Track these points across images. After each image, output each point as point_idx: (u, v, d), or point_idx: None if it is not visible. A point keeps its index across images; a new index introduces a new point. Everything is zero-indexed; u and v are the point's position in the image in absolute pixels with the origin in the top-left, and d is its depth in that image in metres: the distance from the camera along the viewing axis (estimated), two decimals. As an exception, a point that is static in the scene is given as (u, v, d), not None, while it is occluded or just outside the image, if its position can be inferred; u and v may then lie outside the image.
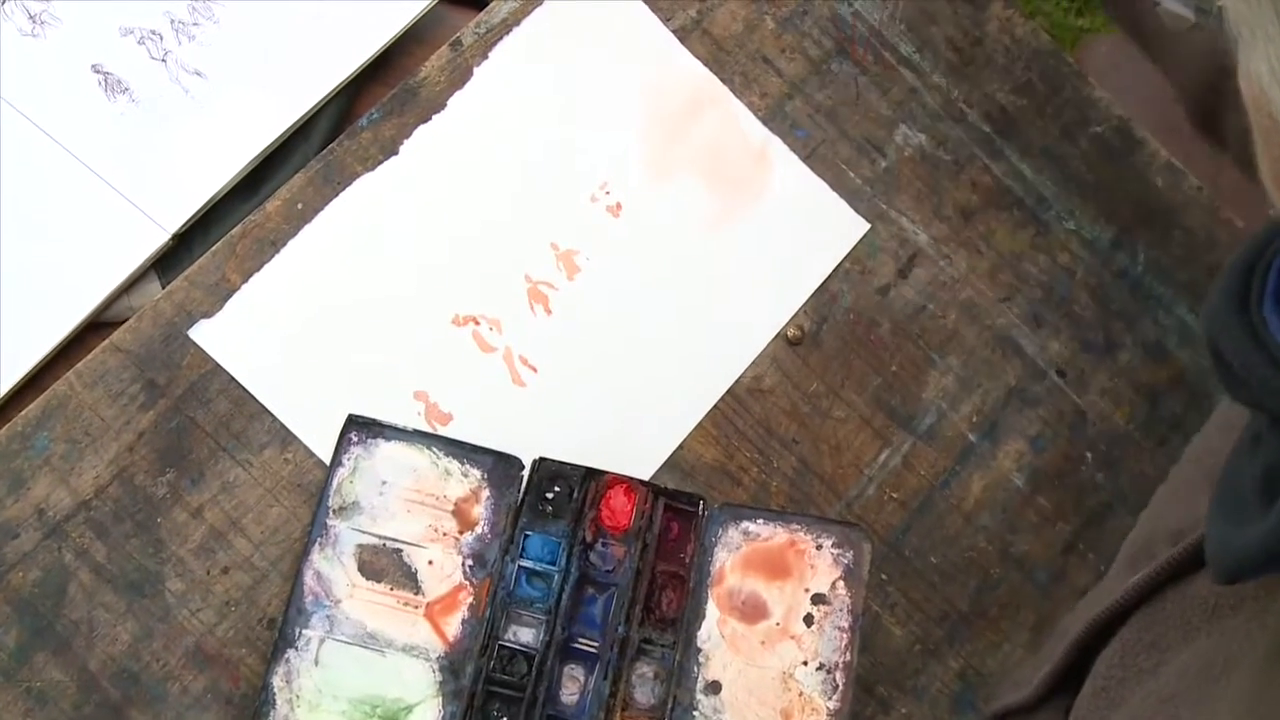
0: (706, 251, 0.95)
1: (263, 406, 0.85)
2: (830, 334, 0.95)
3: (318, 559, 0.82)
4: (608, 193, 0.95)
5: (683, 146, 0.96)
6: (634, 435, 0.90)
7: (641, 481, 0.87)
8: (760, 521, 0.88)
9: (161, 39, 0.92)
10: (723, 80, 0.98)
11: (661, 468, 0.90)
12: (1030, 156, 1.01)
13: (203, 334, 0.86)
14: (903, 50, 1.01)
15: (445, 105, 0.93)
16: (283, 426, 0.85)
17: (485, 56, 0.94)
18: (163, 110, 0.91)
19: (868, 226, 0.97)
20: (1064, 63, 1.04)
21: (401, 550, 0.83)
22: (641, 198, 0.95)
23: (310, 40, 0.94)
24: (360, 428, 0.85)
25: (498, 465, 0.86)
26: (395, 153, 0.91)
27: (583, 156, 0.95)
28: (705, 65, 0.97)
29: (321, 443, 0.85)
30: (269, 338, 0.87)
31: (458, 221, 0.92)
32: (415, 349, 0.89)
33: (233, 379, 0.85)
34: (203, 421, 0.84)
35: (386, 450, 0.85)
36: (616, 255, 0.94)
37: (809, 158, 0.97)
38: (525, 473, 0.86)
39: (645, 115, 0.96)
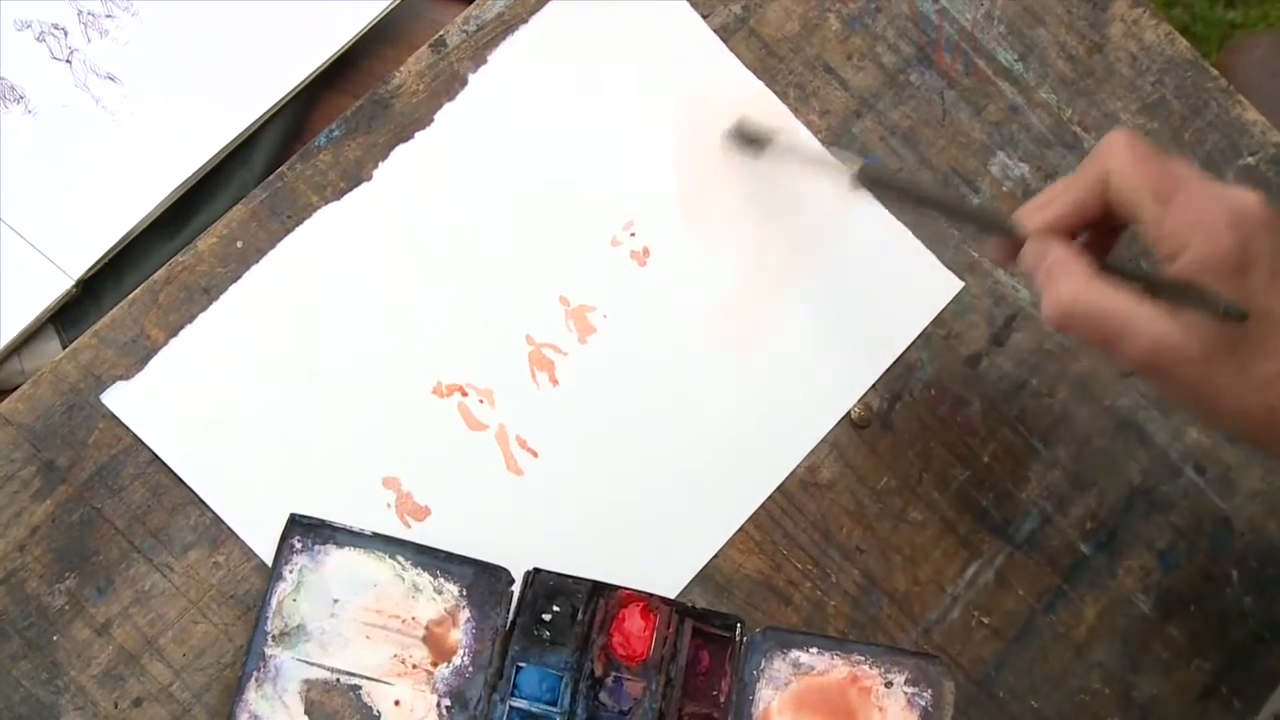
0: (754, 311, 0.97)
1: (187, 497, 0.88)
2: (905, 414, 0.98)
3: (253, 698, 0.84)
4: (633, 234, 0.98)
5: (728, 179, 0.99)
6: (658, 540, 0.93)
7: (663, 599, 0.89)
8: (814, 651, 0.90)
9: (66, 35, 0.95)
10: (774, 93, 1.01)
11: (691, 582, 0.92)
12: (1162, 193, 1.04)
13: (118, 399, 0.89)
14: (1001, 58, 1.05)
15: (432, 120, 0.96)
16: (212, 522, 0.88)
17: (482, 61, 0.98)
18: (67, 124, 0.94)
19: (960, 285, 1.00)
20: (1207, 75, 1.07)
21: (359, 687, 0.86)
22: (674, 242, 0.98)
23: (253, 38, 0.97)
24: (305, 531, 0.87)
25: (480, 578, 0.88)
26: (367, 178, 0.94)
27: (602, 189, 0.98)
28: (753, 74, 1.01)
29: (263, 541, 0.88)
30: (200, 408, 0.90)
31: (443, 266, 0.95)
32: (386, 425, 0.92)
33: (150, 462, 0.88)
34: (112, 515, 0.87)
35: (339, 560, 0.87)
36: (642, 313, 0.96)
37: (881, 191, 1.01)
38: (516, 588, 0.88)
39: (682, 138, 0.99)
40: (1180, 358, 0.76)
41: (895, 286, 0.99)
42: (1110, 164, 0.79)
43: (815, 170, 0.97)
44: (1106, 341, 0.78)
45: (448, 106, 0.97)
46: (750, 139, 0.97)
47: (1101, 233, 0.84)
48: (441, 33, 0.98)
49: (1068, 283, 0.79)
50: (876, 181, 0.92)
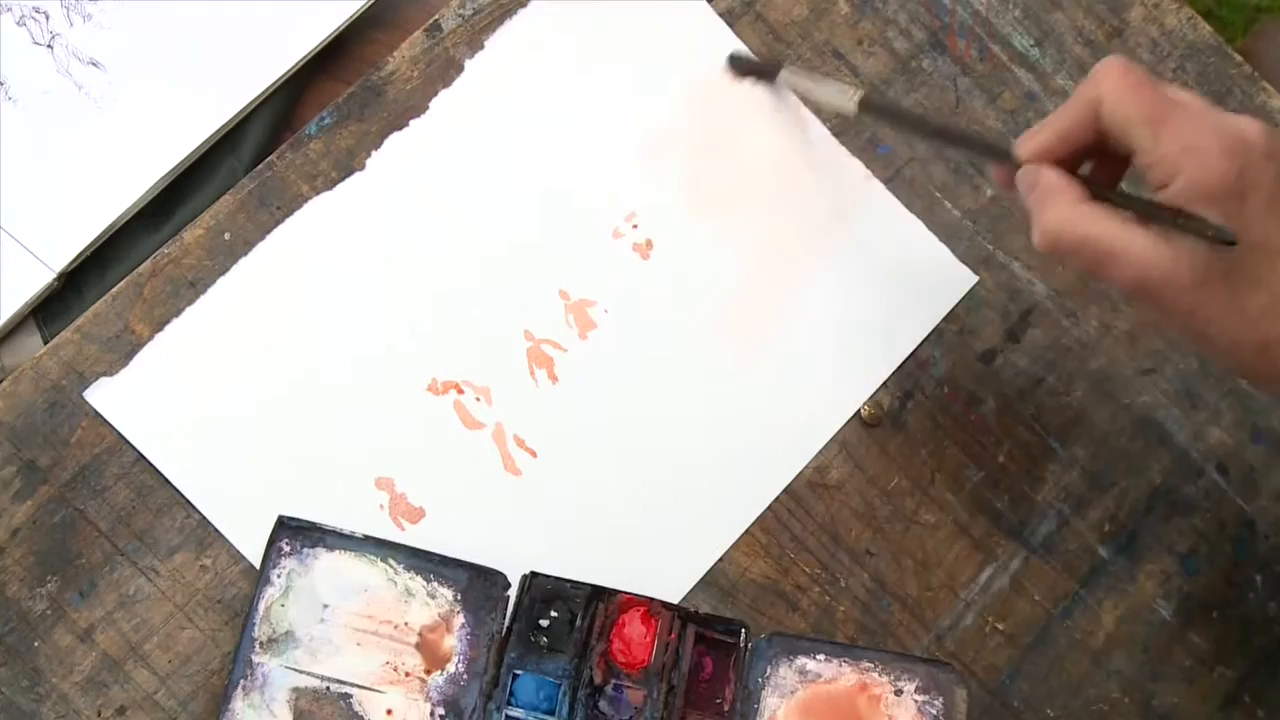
0: (761, 306, 0.97)
1: (173, 498, 0.88)
2: (917, 413, 0.97)
3: (240, 707, 0.84)
4: (635, 226, 0.97)
5: (735, 168, 0.99)
6: (661, 544, 0.93)
7: (665, 604, 0.88)
8: (821, 657, 0.90)
9: (48, 19, 0.95)
10: (781, 79, 1.01)
11: (695, 587, 0.92)
12: (1184, 183, 1.03)
13: (102, 396, 0.89)
14: (1017, 44, 1.04)
15: (426, 108, 0.96)
16: (199, 524, 0.88)
17: (479, 46, 0.98)
18: (48, 111, 0.93)
19: (974, 280, 1.00)
20: (1230, 61, 1.06)
21: (350, 695, 0.85)
22: (679, 234, 0.98)
23: (242, 22, 0.97)
24: (293, 534, 0.87)
25: (475, 583, 0.88)
26: (360, 168, 0.94)
27: (604, 179, 0.98)
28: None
29: (252, 543, 0.88)
30: (186, 406, 0.90)
31: (439, 259, 0.94)
32: (379, 423, 0.92)
33: (135, 462, 0.88)
34: (95, 516, 0.87)
35: (328, 563, 0.87)
36: (645, 308, 0.96)
37: (891, 182, 1.00)
38: (512, 592, 0.88)
39: (688, 127, 0.99)
40: (1170, 284, 0.76)
41: (908, 281, 0.99)
42: (1101, 89, 0.79)
43: (819, 98, 0.97)
44: (1095, 266, 0.78)
45: (444, 93, 0.97)
46: (752, 70, 0.99)
47: (1107, 162, 0.83)
48: (436, 17, 0.98)
49: (1056, 208, 0.79)
50: (880, 109, 0.93)
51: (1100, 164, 0.83)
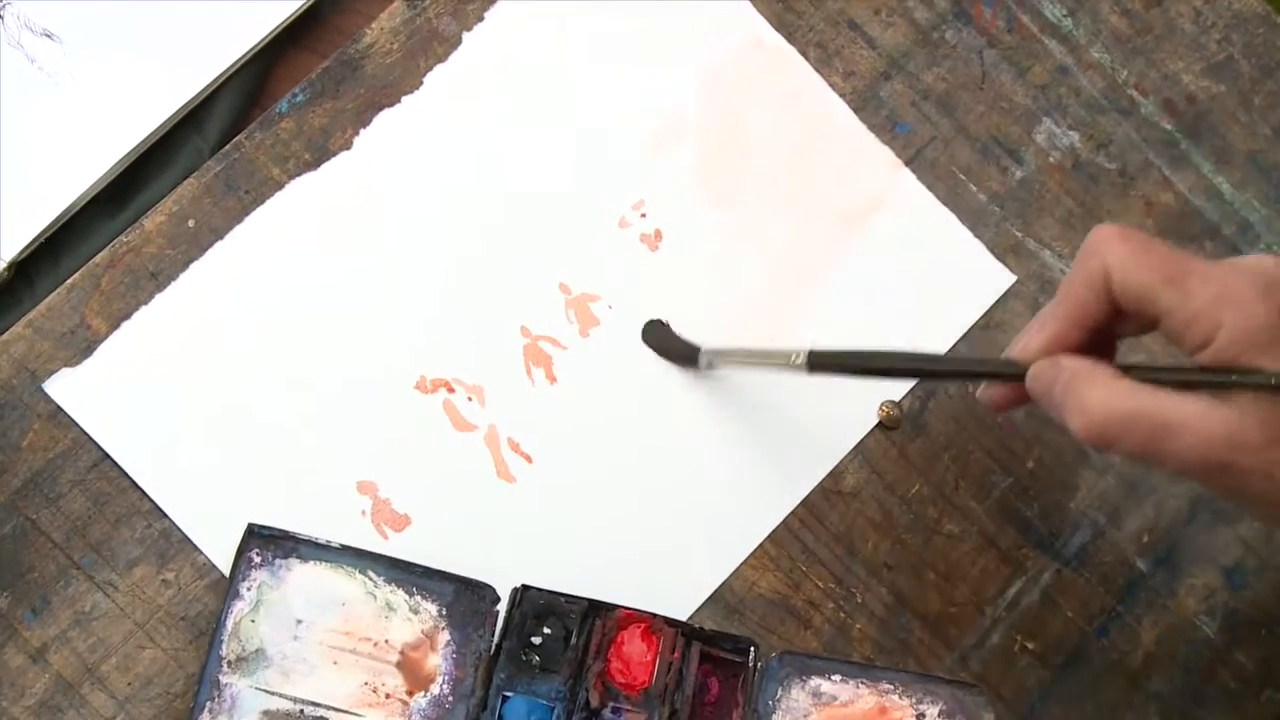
0: (778, 303, 0.96)
1: (133, 507, 0.87)
2: (939, 414, 0.96)
3: (207, 732, 0.84)
4: (644, 215, 0.96)
5: (753, 154, 0.98)
6: (666, 558, 0.92)
7: (668, 620, 0.87)
8: (836, 678, 0.89)
9: (-1, -14, 0.94)
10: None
11: (702, 604, 0.91)
12: (1229, 165, 1.03)
13: (62, 388, 0.88)
14: (1049, 13, 1.03)
15: (421, 84, 0.95)
16: (160, 534, 0.87)
17: (466, 17, 0.96)
18: (-2, 86, 0.93)
19: (1012, 279, 0.98)
20: None
21: (326, 719, 0.85)
22: (691, 224, 0.97)
23: (208, -10, 0.96)
24: (264, 543, 0.86)
25: (462, 597, 0.87)
26: (346, 148, 0.93)
27: (611, 164, 0.97)
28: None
29: (224, 551, 0.86)
30: (152, 405, 0.89)
31: (430, 248, 0.94)
32: (362, 424, 0.91)
33: (92, 467, 0.87)
34: (49, 526, 0.86)
35: (302, 575, 0.86)
36: (652, 304, 0.95)
37: (912, 163, 0.99)
38: (502, 608, 0.87)
39: (702, 109, 0.98)
40: (1242, 447, 0.73)
41: (939, 280, 0.98)
42: (1108, 259, 0.77)
43: (760, 367, 0.93)
44: (1153, 443, 0.75)
45: (439, 69, 0.96)
46: (670, 354, 0.95)
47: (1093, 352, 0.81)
48: (418, -16, 0.97)
49: (1094, 389, 0.76)
50: (831, 361, 0.88)
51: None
